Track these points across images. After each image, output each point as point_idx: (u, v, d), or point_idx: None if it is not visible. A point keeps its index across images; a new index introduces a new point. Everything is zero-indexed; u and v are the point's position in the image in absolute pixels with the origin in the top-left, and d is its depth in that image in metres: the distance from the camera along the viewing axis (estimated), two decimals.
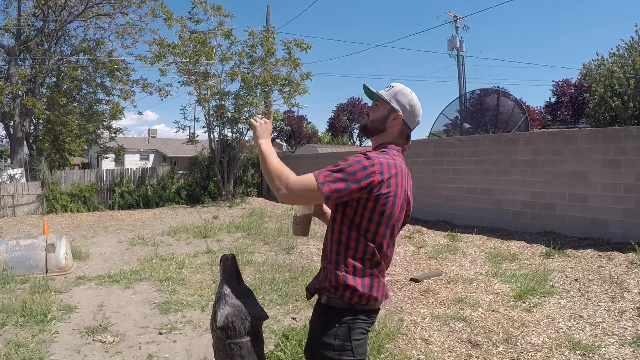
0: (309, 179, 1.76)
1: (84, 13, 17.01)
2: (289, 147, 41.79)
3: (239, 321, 1.89)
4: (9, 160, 17.93)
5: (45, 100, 18.29)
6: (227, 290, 1.94)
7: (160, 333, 4.25)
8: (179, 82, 17.12)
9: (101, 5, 17.55)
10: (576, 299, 4.69)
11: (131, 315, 4.75)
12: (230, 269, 2.01)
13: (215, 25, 16.98)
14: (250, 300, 1.95)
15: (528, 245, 7.18)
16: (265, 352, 3.64)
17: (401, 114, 1.96)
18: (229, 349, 1.89)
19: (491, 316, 4.31)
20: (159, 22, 22.27)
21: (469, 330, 3.98)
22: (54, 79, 18.84)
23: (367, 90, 2.06)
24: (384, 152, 1.90)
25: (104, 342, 4.03)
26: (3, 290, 5.54)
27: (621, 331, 3.84)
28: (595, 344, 3.60)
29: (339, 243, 1.83)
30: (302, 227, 2.10)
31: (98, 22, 18.30)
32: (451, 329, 4.03)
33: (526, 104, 22.79)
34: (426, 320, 4.27)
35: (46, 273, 6.34)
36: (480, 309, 4.52)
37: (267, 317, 1.96)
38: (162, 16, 16.94)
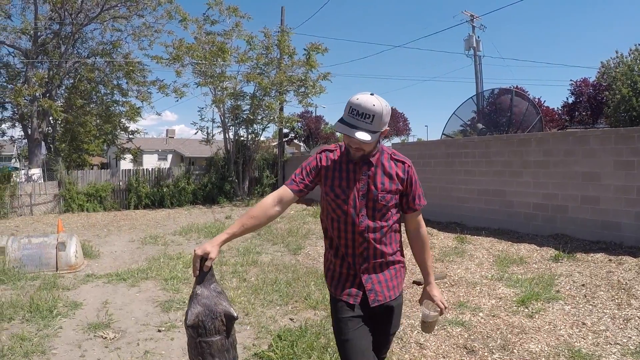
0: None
1: (100, 16, 17.28)
2: (306, 148, 41.84)
3: (209, 320, 1.90)
4: (27, 161, 18.33)
5: (62, 101, 18.62)
6: (199, 290, 1.95)
7: (159, 331, 4.30)
8: (195, 83, 17.31)
9: (117, 7, 17.81)
10: (581, 305, 4.57)
11: (134, 312, 4.82)
12: (203, 270, 2.01)
13: (231, 26, 17.11)
14: (221, 300, 1.96)
15: (538, 248, 7.04)
16: (258, 351, 3.68)
17: (387, 128, 2.09)
18: (200, 347, 1.91)
19: (491, 321, 4.24)
20: (174, 24, 22.51)
21: (466, 336, 3.92)
22: (72, 81, 19.18)
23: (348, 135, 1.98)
24: (397, 152, 2.24)
25: (105, 338, 4.11)
26: (14, 287, 5.69)
27: (624, 340, 3.72)
28: (596, 353, 3.49)
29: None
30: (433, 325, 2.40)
31: (115, 24, 18.59)
32: (448, 334, 3.97)
33: (545, 104, 22.34)
34: None
35: (56, 271, 6.48)
36: (480, 314, 4.45)
37: (237, 317, 1.97)
38: (177, 18, 17.15)
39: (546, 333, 3.93)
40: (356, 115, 1.94)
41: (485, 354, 3.56)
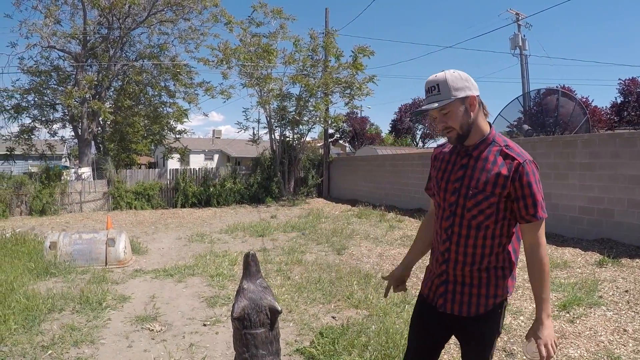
0: (542, 227, 1.87)
1: (147, 20, 17.82)
2: (351, 148, 41.88)
3: (255, 314, 2.02)
4: (77, 160, 19.06)
5: (111, 103, 19.19)
6: (246, 285, 2.08)
7: (204, 325, 4.46)
8: (241, 84, 17.60)
9: (163, 12, 18.30)
10: (623, 312, 4.48)
11: (180, 307, 5.00)
12: (250, 266, 2.14)
13: (276, 28, 17.32)
14: (266, 295, 2.08)
15: (582, 252, 6.90)
16: (300, 347, 3.80)
17: (473, 94, 1.87)
18: (245, 339, 2.03)
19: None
20: (220, 27, 22.96)
21: (505, 339, 3.91)
22: (120, 83, 19.80)
23: (420, 113, 1.94)
24: (512, 146, 1.89)
25: (152, 330, 4.30)
26: (65, 280, 5.99)
27: None
28: None
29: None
30: None
31: (161, 28, 19.10)
32: None
33: (592, 104, 21.64)
34: None
35: (105, 265, 6.77)
36: (521, 317, 4.42)
37: (281, 311, 2.08)
38: (223, 21, 17.51)
39: (586, 339, 3.88)
40: (426, 93, 1.90)
41: (524, 358, 3.56)
